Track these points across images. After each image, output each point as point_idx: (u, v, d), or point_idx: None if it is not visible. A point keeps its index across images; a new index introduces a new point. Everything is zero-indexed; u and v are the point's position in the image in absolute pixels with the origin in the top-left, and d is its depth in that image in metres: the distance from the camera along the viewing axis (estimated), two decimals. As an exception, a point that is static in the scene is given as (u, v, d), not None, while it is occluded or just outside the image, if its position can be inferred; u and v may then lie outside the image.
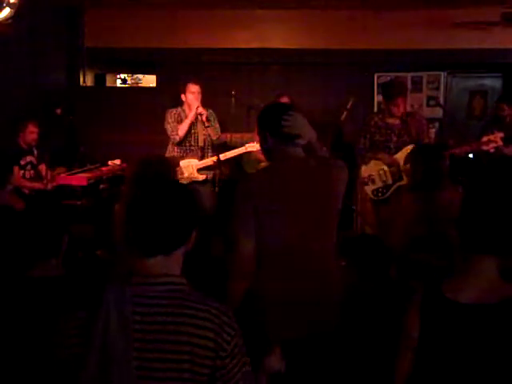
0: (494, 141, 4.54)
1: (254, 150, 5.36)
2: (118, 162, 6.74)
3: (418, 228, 3.15)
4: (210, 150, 5.42)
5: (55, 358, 1.43)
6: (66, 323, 1.44)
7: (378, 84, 7.78)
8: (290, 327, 2.27)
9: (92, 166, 6.56)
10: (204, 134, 5.35)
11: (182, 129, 5.23)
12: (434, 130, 7.34)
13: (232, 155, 5.40)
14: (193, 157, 5.28)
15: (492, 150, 4.52)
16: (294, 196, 2.29)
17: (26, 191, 5.52)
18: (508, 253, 1.69)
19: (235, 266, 2.31)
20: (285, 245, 2.28)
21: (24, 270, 2.39)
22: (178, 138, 5.24)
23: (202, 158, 5.32)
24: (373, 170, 4.99)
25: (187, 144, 5.32)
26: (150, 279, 1.43)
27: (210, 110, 5.39)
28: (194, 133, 5.34)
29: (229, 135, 6.59)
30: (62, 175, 5.98)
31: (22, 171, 5.52)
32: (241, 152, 5.44)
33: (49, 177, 5.63)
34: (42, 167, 5.72)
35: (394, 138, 4.88)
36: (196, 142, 5.35)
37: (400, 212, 3.44)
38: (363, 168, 5.07)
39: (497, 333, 1.62)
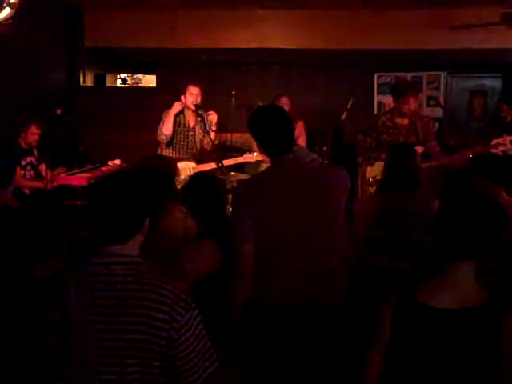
0: (503, 144, 4.56)
1: (252, 160, 5.32)
2: (118, 161, 6.74)
3: (378, 230, 3.11)
4: (207, 153, 5.40)
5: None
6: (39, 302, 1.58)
7: (378, 84, 7.79)
8: (290, 327, 2.27)
9: (92, 166, 6.56)
10: (201, 139, 5.32)
11: (166, 128, 5.15)
12: (434, 130, 7.33)
13: (229, 164, 5.34)
14: (190, 159, 5.25)
15: (500, 153, 4.51)
16: (293, 197, 2.29)
17: (27, 191, 5.52)
18: (484, 257, 1.72)
19: (235, 266, 2.32)
20: (284, 245, 2.28)
21: (25, 270, 2.39)
22: (164, 138, 5.16)
23: (198, 161, 5.28)
24: (378, 172, 4.97)
25: (184, 147, 5.30)
26: (109, 259, 1.57)
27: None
28: (192, 136, 5.32)
29: (229, 135, 6.58)
30: (62, 175, 5.98)
31: (22, 171, 5.53)
32: (239, 162, 5.38)
33: (49, 177, 5.63)
34: (42, 167, 5.72)
35: (401, 139, 4.86)
36: (193, 145, 5.33)
37: (361, 214, 3.42)
38: (368, 169, 5.04)
39: (469, 336, 1.64)
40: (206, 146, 5.34)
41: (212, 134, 5.21)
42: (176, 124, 5.25)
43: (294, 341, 2.27)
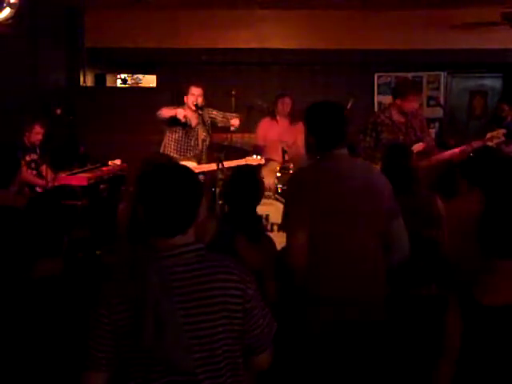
0: (496, 137, 4.66)
1: (255, 163, 5.30)
2: (118, 161, 6.73)
3: None
4: (208, 154, 5.42)
5: (102, 326, 1.61)
6: (111, 295, 1.62)
7: (378, 84, 7.79)
8: (331, 323, 2.29)
9: (92, 166, 6.55)
10: (203, 139, 5.34)
11: (167, 111, 5.19)
12: (434, 130, 7.34)
13: (230, 165, 5.33)
14: (190, 159, 5.26)
15: (495, 146, 4.58)
16: (346, 193, 2.33)
17: (28, 191, 5.52)
18: None
19: (289, 258, 2.34)
20: (334, 242, 2.31)
21: (24, 270, 2.39)
22: (159, 116, 5.19)
23: (199, 161, 5.30)
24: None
25: (186, 146, 5.32)
26: (175, 251, 1.63)
27: (209, 109, 5.39)
28: (194, 136, 5.33)
29: (229, 135, 6.58)
30: (62, 175, 5.98)
31: (26, 167, 5.58)
32: (240, 163, 5.34)
33: (49, 177, 5.64)
34: (43, 168, 5.73)
35: (401, 137, 4.87)
36: (196, 145, 5.34)
37: None
38: None
39: None
40: (205, 146, 5.37)
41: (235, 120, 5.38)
42: (178, 124, 5.28)
43: (333, 336, 2.28)
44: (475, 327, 1.73)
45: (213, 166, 5.01)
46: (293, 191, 2.45)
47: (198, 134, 5.34)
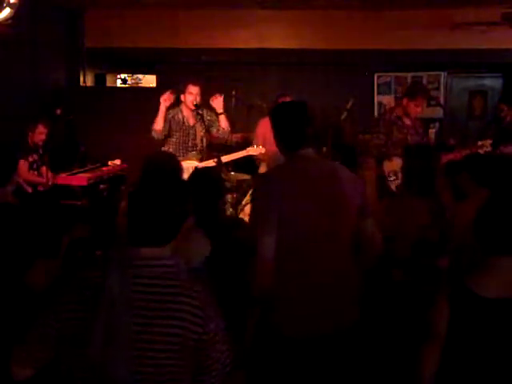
0: (485, 146, 4.86)
1: (256, 153, 5.31)
2: (118, 162, 6.74)
3: (431, 232, 3.10)
4: (208, 151, 5.39)
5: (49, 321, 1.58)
6: (69, 296, 1.59)
7: (378, 84, 7.79)
8: (304, 325, 2.27)
9: (92, 166, 6.56)
10: (202, 136, 5.32)
11: (156, 123, 5.13)
12: (434, 130, 7.34)
13: (233, 158, 5.32)
14: (191, 158, 5.25)
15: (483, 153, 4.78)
16: (314, 195, 2.30)
17: (28, 189, 5.52)
18: None
19: (257, 264, 2.30)
20: (302, 243, 2.28)
21: (24, 270, 2.39)
22: (154, 134, 5.13)
23: (201, 159, 5.26)
24: (396, 166, 4.96)
25: (185, 147, 5.30)
26: (147, 262, 1.59)
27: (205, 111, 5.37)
28: (192, 135, 5.31)
29: (229, 135, 6.58)
30: (62, 175, 5.99)
31: (28, 167, 5.61)
32: (242, 155, 5.33)
33: (49, 177, 5.64)
34: (43, 169, 5.74)
35: (409, 137, 4.95)
36: (194, 143, 5.33)
37: (410, 214, 3.37)
38: (386, 163, 5.01)
39: None
40: (205, 144, 5.34)
41: (222, 118, 5.23)
42: (175, 123, 5.25)
43: (306, 339, 2.27)
44: (465, 316, 1.74)
45: (211, 163, 5.02)
46: (259, 197, 2.38)
47: (196, 132, 5.31)
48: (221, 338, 1.61)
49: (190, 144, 5.31)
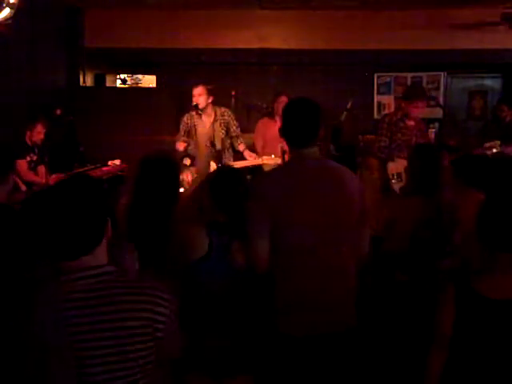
0: (494, 146, 4.94)
1: (271, 162, 5.11)
2: (117, 162, 6.73)
3: (424, 231, 3.10)
4: (226, 153, 5.40)
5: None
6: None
7: (378, 84, 7.79)
8: (302, 326, 2.27)
9: (92, 166, 6.55)
10: (221, 136, 5.31)
11: (179, 145, 5.27)
12: (433, 130, 7.34)
13: (246, 165, 5.12)
14: (210, 159, 5.15)
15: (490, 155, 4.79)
16: (310, 196, 2.27)
17: (24, 188, 5.52)
18: None
19: (249, 260, 2.31)
20: (299, 245, 2.26)
21: (23, 270, 2.39)
22: (178, 151, 5.23)
23: (219, 160, 5.16)
24: (400, 168, 4.96)
25: (205, 146, 5.27)
26: (78, 274, 1.47)
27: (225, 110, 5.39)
28: (208, 138, 5.26)
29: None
30: (60, 175, 5.97)
31: (27, 167, 5.61)
32: (256, 163, 5.19)
33: (48, 177, 5.64)
34: (41, 168, 5.74)
35: (414, 138, 4.96)
36: (212, 143, 5.26)
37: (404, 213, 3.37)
38: (390, 165, 5.03)
39: None
40: (224, 145, 5.35)
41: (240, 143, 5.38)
42: (188, 126, 5.30)
43: (304, 339, 2.26)
44: (471, 317, 1.74)
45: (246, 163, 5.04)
46: (252, 199, 2.33)
47: (214, 135, 5.30)
48: (173, 330, 1.57)
49: (207, 144, 5.28)
